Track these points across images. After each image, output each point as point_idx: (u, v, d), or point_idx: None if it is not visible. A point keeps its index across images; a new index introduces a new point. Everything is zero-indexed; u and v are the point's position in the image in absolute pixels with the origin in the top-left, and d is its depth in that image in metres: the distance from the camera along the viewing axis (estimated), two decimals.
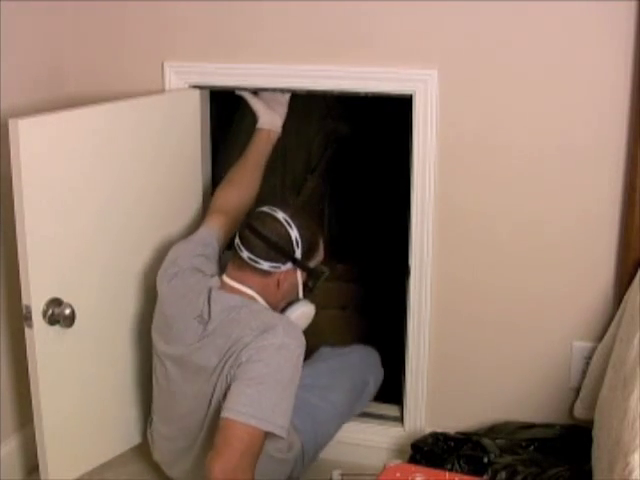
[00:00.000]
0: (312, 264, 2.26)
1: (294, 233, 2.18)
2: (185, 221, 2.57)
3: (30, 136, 2.05)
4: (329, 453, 2.63)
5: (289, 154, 3.55)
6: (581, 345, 2.44)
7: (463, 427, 2.51)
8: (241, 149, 2.87)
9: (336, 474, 2.52)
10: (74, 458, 2.33)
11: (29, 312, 2.12)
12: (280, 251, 2.17)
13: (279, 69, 2.47)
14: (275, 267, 2.18)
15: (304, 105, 3.09)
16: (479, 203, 2.43)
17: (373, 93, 2.44)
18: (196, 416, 2.21)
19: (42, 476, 2.24)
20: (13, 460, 2.52)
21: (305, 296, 2.30)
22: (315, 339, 2.86)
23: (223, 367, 2.11)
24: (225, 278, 2.23)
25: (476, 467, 2.25)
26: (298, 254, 2.19)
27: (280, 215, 2.20)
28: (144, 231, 2.43)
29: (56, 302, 2.17)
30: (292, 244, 2.18)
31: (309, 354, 2.79)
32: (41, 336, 2.15)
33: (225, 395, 2.07)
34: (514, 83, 2.32)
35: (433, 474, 2.09)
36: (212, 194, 2.69)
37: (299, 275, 2.23)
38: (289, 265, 2.19)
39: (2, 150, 2.13)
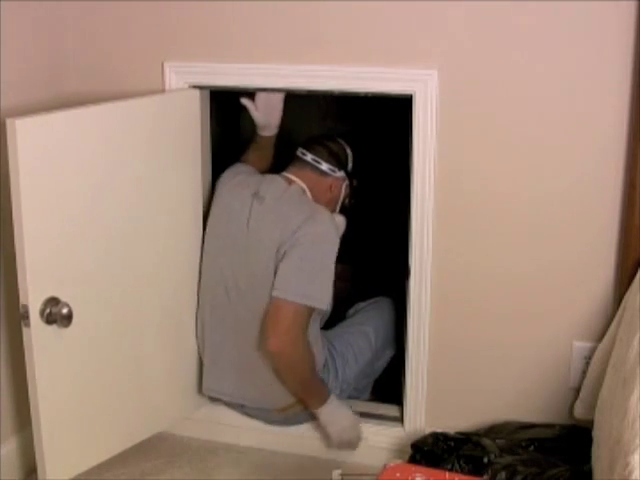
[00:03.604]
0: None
1: (349, 151, 2.76)
2: (185, 221, 2.57)
3: (27, 136, 2.05)
4: (329, 453, 2.63)
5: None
6: (581, 345, 2.44)
7: (463, 427, 2.51)
8: (241, 149, 2.87)
9: (336, 474, 2.52)
10: (72, 457, 2.32)
11: (26, 311, 2.12)
12: (338, 159, 2.70)
13: (278, 69, 2.47)
14: (332, 170, 2.69)
15: (304, 105, 3.09)
16: (479, 203, 2.43)
17: (373, 93, 2.44)
18: (255, 295, 2.49)
19: (40, 476, 2.24)
20: (12, 462, 2.52)
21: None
22: None
23: (276, 239, 2.44)
24: (283, 173, 2.65)
25: (476, 467, 2.24)
26: (349, 167, 2.75)
27: (339, 140, 2.76)
28: (143, 231, 2.43)
29: (53, 301, 2.17)
30: (347, 157, 2.74)
31: None
32: (38, 335, 2.15)
33: (275, 269, 2.43)
34: (514, 83, 2.32)
35: (433, 474, 2.09)
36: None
37: (344, 188, 2.75)
38: (342, 173, 2.72)
39: (2, 150, 2.13)
